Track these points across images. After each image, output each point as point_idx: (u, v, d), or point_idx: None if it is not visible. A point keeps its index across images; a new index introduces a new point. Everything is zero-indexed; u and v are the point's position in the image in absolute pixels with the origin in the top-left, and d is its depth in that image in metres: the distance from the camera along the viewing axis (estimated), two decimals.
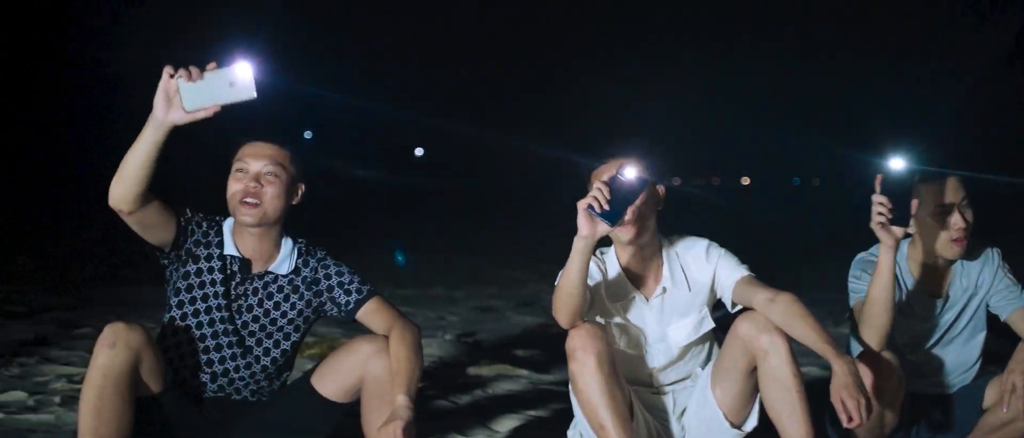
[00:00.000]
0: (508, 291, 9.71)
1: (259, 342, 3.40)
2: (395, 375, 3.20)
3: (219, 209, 3.46)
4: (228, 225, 3.43)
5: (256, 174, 3.33)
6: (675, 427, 3.55)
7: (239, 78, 2.88)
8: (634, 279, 3.54)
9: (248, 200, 3.32)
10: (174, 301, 3.37)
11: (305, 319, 3.48)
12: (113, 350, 3.02)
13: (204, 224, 3.40)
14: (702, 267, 3.53)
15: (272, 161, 3.35)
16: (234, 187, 3.35)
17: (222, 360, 3.37)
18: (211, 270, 3.36)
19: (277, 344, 3.42)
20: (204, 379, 3.37)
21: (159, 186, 3.13)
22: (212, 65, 2.90)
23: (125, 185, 3.02)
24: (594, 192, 3.08)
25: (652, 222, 3.48)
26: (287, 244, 3.46)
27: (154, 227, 3.23)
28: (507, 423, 4.46)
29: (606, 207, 3.08)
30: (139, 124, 2.99)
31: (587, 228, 3.10)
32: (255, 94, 2.91)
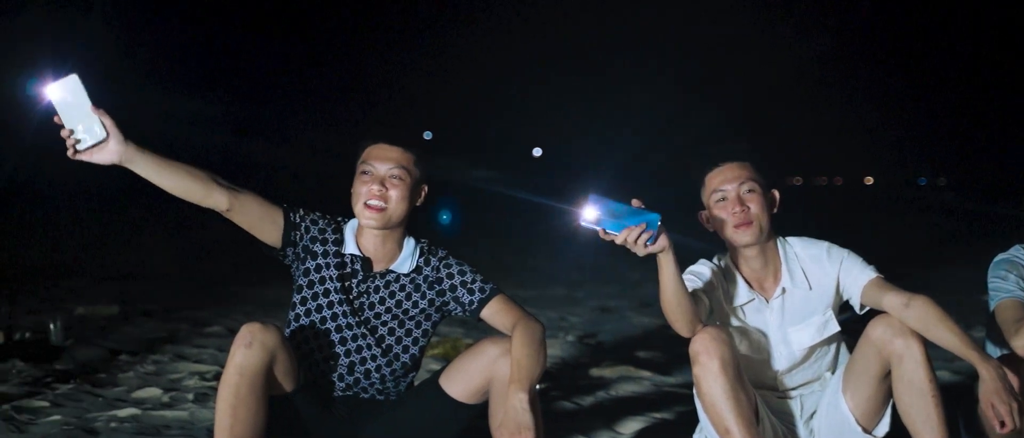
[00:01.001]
0: (628, 291, 9.67)
1: (398, 340, 3.42)
2: (514, 371, 3.16)
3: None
4: (351, 225, 3.46)
5: (382, 177, 3.36)
6: (802, 431, 3.50)
7: (71, 89, 2.98)
8: (753, 282, 3.51)
9: (372, 203, 3.34)
10: (298, 298, 3.42)
11: (429, 318, 3.49)
12: (249, 350, 3.07)
13: (321, 222, 3.43)
14: (824, 268, 3.48)
15: (397, 164, 3.37)
16: (359, 190, 3.37)
17: (363, 361, 3.40)
18: (329, 267, 3.40)
19: (406, 342, 3.45)
20: (333, 378, 3.41)
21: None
22: (56, 118, 2.99)
23: (184, 197, 3.18)
24: (629, 245, 3.08)
25: (768, 223, 3.44)
26: (409, 243, 3.47)
27: (257, 224, 3.30)
28: (631, 425, 4.44)
29: (641, 230, 3.05)
30: None
31: (661, 242, 3.09)
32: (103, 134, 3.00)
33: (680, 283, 3.15)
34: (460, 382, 3.35)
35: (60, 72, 2.97)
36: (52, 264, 11.13)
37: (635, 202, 3.07)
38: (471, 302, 3.43)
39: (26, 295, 8.48)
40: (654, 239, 3.06)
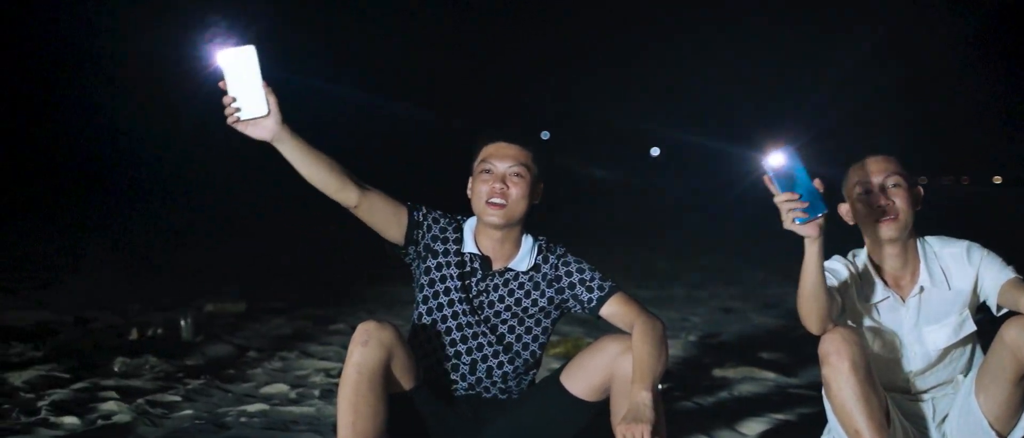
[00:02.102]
0: (750, 292, 9.55)
1: (518, 338, 3.44)
2: (637, 369, 3.14)
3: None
4: (470, 224, 3.48)
5: (502, 175, 3.37)
6: (934, 435, 3.41)
7: (245, 61, 3.01)
8: (889, 280, 3.43)
9: (495, 201, 3.36)
10: (420, 296, 3.45)
11: (549, 315, 3.49)
12: (366, 348, 3.11)
13: (442, 220, 3.45)
14: (963, 267, 3.39)
15: (517, 161, 3.38)
16: (480, 188, 3.39)
17: (484, 359, 3.42)
18: (449, 265, 3.41)
19: (527, 340, 3.46)
20: (455, 376, 3.44)
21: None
22: (222, 83, 3.03)
23: (320, 187, 3.20)
24: (783, 207, 3.00)
25: (912, 219, 3.37)
26: (527, 241, 3.48)
27: (381, 221, 3.33)
28: (755, 426, 4.39)
29: (803, 206, 2.98)
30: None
31: (809, 228, 3.02)
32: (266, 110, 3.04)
33: (821, 276, 3.09)
34: (581, 379, 3.34)
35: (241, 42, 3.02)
36: (181, 261, 11.44)
37: (817, 183, 3.01)
38: (590, 299, 3.42)
39: (157, 292, 8.73)
40: (805, 221, 3.00)
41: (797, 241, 3.07)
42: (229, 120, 3.06)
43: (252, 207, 18.72)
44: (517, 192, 3.36)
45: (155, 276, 10.16)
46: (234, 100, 3.03)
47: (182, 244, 13.53)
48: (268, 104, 3.05)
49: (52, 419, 4.34)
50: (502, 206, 3.35)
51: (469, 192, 3.46)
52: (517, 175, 3.37)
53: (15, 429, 4.17)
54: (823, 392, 3.24)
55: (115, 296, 8.50)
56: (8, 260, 10.61)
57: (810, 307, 3.13)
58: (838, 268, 3.41)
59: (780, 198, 3.01)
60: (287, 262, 11.46)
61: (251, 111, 3.03)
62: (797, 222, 3.00)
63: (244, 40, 3.02)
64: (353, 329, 3.21)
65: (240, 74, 3.01)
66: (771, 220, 3.06)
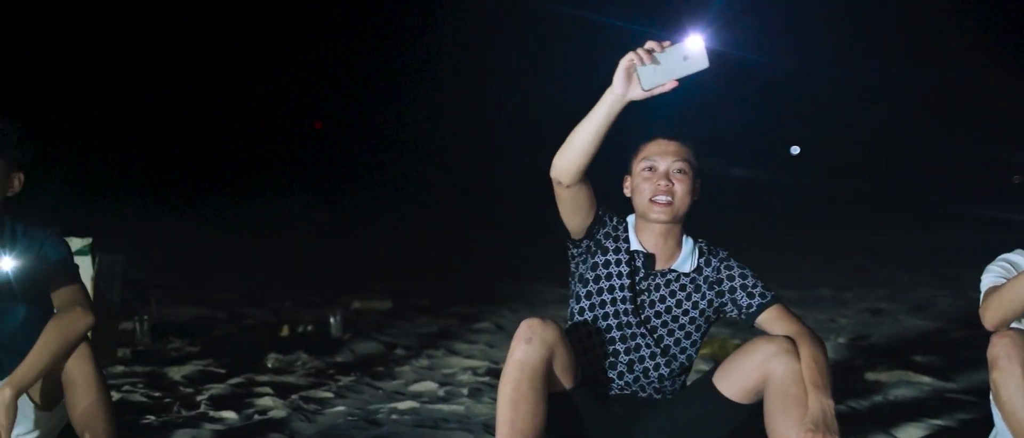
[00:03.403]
0: (899, 293, 9.33)
1: (676, 341, 3.42)
2: (814, 376, 3.10)
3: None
4: (631, 223, 3.46)
5: (666, 172, 3.34)
6: None
7: (691, 51, 2.89)
8: None
9: (660, 199, 3.33)
10: (582, 292, 3.43)
11: (706, 319, 3.45)
12: (529, 345, 3.11)
13: (615, 218, 3.44)
14: None
15: (680, 157, 3.35)
16: (643, 186, 3.36)
17: (641, 360, 3.41)
18: (619, 263, 3.40)
19: (685, 343, 3.43)
20: (613, 375, 3.42)
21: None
22: (666, 43, 2.93)
23: (570, 158, 3.11)
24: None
25: None
26: (688, 242, 3.45)
27: (580, 209, 3.30)
28: (912, 432, 4.27)
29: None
30: None
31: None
32: (707, 64, 2.90)
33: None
34: (734, 381, 3.28)
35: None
36: (327, 260, 11.69)
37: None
38: (749, 306, 3.38)
39: (306, 289, 8.93)
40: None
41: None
42: (632, 54, 2.95)
43: (395, 206, 19.02)
44: (682, 189, 3.34)
45: (304, 273, 10.39)
46: (657, 62, 2.94)
47: (330, 242, 13.81)
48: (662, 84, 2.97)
49: (211, 413, 4.47)
50: (668, 204, 3.33)
51: (627, 191, 3.44)
52: (681, 171, 3.34)
53: (177, 422, 4.31)
54: (991, 397, 3.14)
55: (267, 293, 8.72)
56: (165, 257, 10.95)
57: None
58: (1021, 261, 3.29)
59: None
60: (430, 261, 11.60)
61: (651, 81, 2.95)
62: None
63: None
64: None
65: (680, 59, 2.93)
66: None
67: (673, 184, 3.32)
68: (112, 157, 19.72)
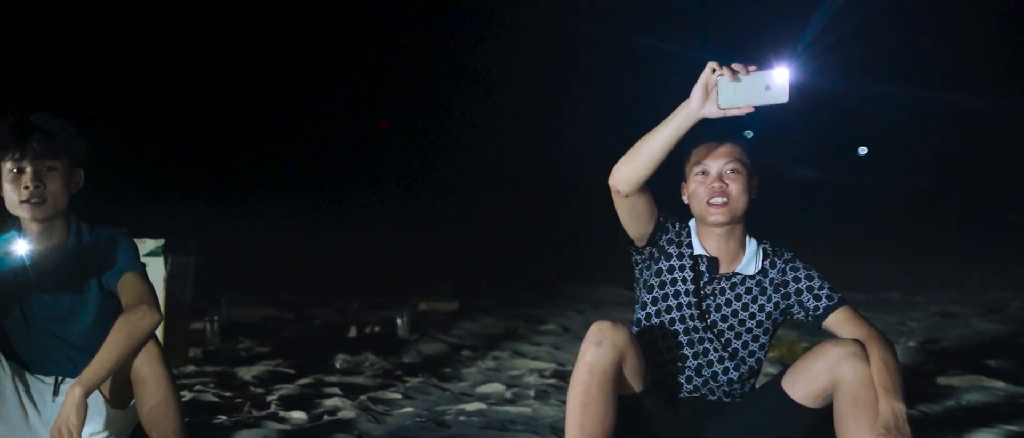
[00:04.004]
0: (969, 296, 9.21)
1: (744, 345, 3.41)
2: (886, 380, 3.09)
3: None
4: (692, 228, 3.47)
5: (718, 173, 3.35)
6: None
7: (776, 82, 2.91)
8: None
9: (716, 200, 3.34)
10: (648, 298, 3.44)
11: (772, 321, 3.45)
12: (599, 348, 3.12)
13: (677, 223, 3.45)
14: None
15: (731, 158, 3.36)
16: (698, 191, 3.37)
17: (709, 364, 3.40)
18: (682, 268, 3.41)
19: (753, 346, 3.42)
20: (682, 379, 3.42)
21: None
22: (752, 68, 2.95)
23: (633, 168, 3.14)
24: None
25: None
26: (751, 244, 3.44)
27: (640, 216, 3.33)
28: None
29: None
30: None
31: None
32: (787, 99, 2.92)
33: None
34: (804, 385, 3.27)
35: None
36: (393, 261, 11.76)
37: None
38: (816, 308, 3.36)
39: (372, 290, 8.99)
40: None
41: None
42: (716, 65, 2.99)
43: (460, 207, 19.09)
44: (736, 187, 3.35)
45: (370, 274, 10.46)
46: (739, 82, 2.96)
47: (395, 242, 13.89)
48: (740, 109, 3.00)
49: (281, 413, 4.52)
50: (724, 204, 3.34)
51: (685, 198, 3.46)
52: (733, 171, 3.35)
53: (247, 422, 4.36)
54: None
55: (333, 293, 8.80)
56: (234, 257, 11.09)
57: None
58: None
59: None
60: (494, 262, 11.63)
61: (731, 101, 2.98)
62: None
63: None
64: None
65: (762, 88, 2.96)
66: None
67: (727, 184, 3.34)
68: (183, 157, 20.00)
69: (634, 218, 3.32)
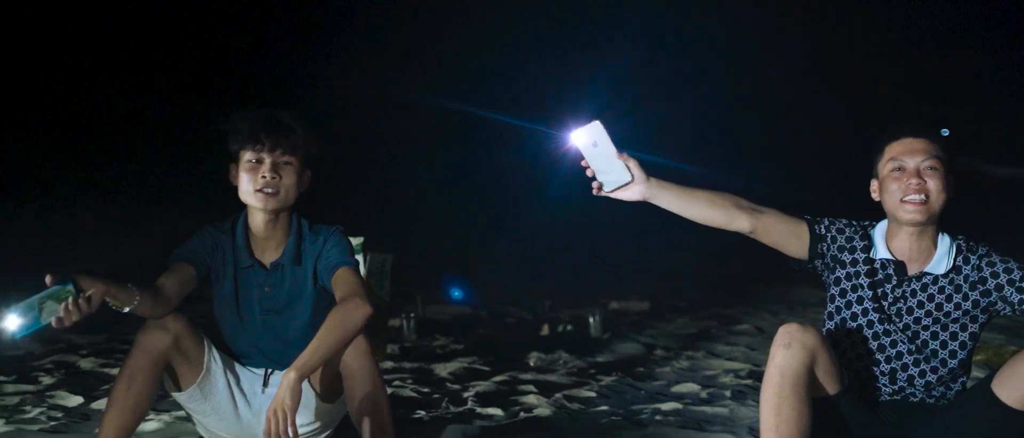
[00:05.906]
0: None
1: (943, 345, 3.29)
2: None
3: None
4: (880, 229, 3.37)
5: (916, 169, 3.24)
6: None
7: (586, 140, 3.13)
8: None
9: (912, 198, 3.22)
10: (832, 307, 3.39)
11: (972, 318, 3.31)
12: (788, 350, 3.07)
13: (847, 229, 3.36)
14: None
15: (930, 154, 3.24)
16: (892, 187, 3.27)
17: (904, 367, 3.31)
18: (858, 275, 3.32)
19: (952, 346, 3.30)
20: (881, 382, 3.33)
21: None
22: (582, 162, 3.18)
23: (708, 224, 3.36)
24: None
25: None
26: (944, 241, 3.32)
27: (782, 241, 3.35)
28: None
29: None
30: None
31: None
32: (600, 126, 3.14)
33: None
34: (1014, 387, 3.12)
35: (584, 120, 3.18)
36: (583, 260, 11.79)
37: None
38: (1022, 301, 3.22)
39: (562, 288, 9.04)
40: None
41: None
42: (594, 192, 3.23)
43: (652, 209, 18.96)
44: (936, 185, 3.23)
45: (559, 272, 10.52)
46: (595, 175, 3.19)
47: (583, 242, 13.92)
48: (629, 170, 3.18)
49: (478, 409, 4.59)
50: (923, 203, 3.22)
51: (874, 195, 3.37)
52: (932, 168, 3.24)
53: (446, 418, 4.44)
54: None
55: (525, 292, 8.88)
56: (429, 255, 11.31)
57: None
58: None
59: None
60: (688, 261, 11.54)
61: (615, 181, 3.19)
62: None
63: (589, 116, 3.19)
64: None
65: (595, 149, 3.15)
66: None
67: (925, 181, 3.22)
68: (382, 157, 20.43)
69: (777, 244, 3.35)
